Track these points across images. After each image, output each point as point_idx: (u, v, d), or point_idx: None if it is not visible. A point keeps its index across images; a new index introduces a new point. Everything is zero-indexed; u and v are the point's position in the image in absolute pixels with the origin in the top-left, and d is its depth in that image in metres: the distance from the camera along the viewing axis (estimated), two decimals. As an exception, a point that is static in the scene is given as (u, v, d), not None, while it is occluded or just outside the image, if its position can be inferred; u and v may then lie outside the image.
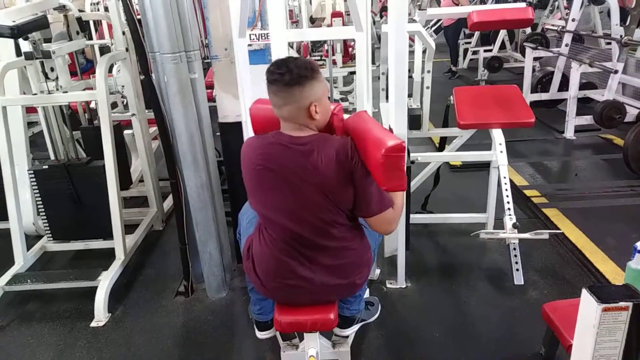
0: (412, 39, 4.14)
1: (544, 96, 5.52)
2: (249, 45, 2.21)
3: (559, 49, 5.34)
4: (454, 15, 5.57)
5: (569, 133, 4.73)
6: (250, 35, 2.10)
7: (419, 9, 3.65)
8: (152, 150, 3.40)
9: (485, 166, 3.12)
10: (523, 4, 3.08)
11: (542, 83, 5.66)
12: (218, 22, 2.38)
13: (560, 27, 5.48)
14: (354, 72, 5.40)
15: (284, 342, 1.98)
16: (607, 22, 5.38)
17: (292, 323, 1.68)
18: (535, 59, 5.68)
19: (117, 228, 2.68)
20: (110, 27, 3.33)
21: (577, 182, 3.80)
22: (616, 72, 4.41)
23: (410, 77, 2.34)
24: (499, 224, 2.81)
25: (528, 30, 7.16)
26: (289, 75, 1.46)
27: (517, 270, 2.53)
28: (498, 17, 2.96)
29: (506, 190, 2.65)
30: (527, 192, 3.57)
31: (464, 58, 8.48)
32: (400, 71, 2.12)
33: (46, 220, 2.84)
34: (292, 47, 5.37)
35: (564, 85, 5.23)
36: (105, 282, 2.51)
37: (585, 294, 1.10)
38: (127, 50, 3.08)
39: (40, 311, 2.56)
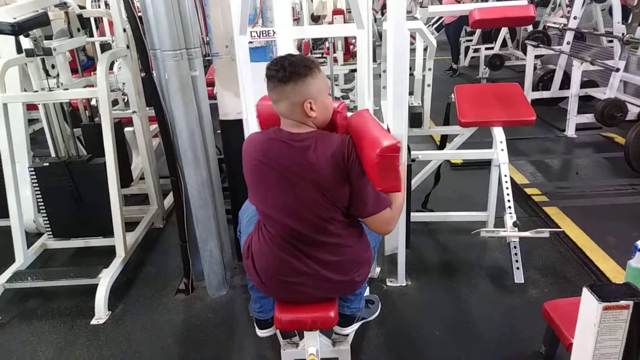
0: (413, 37, 4.13)
1: (545, 94, 5.52)
2: (250, 42, 2.21)
3: (560, 46, 5.32)
4: (456, 13, 5.55)
5: (570, 131, 4.73)
6: (251, 32, 2.10)
7: (421, 7, 3.65)
8: (153, 148, 3.40)
9: (486, 164, 3.11)
10: (525, 2, 3.07)
11: (543, 81, 5.66)
12: (219, 19, 2.38)
13: (562, 24, 5.46)
14: (355, 70, 5.39)
15: (284, 340, 1.98)
16: (609, 20, 5.38)
17: (293, 321, 1.68)
18: (536, 56, 5.66)
19: (117, 225, 2.68)
20: (111, 24, 3.33)
21: (578, 181, 3.80)
22: (618, 70, 4.41)
23: (411, 74, 2.32)
24: (499, 222, 2.81)
25: (529, 28, 7.13)
26: (282, 72, 1.48)
27: (518, 268, 2.53)
28: (500, 15, 2.96)
29: (507, 188, 2.65)
30: (528, 191, 3.57)
31: (465, 56, 8.47)
32: (399, 69, 2.10)
33: (47, 218, 2.85)
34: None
35: (566, 83, 5.22)
36: (105, 279, 2.51)
37: (585, 292, 1.09)
38: (128, 47, 3.08)
39: (40, 309, 2.57)
